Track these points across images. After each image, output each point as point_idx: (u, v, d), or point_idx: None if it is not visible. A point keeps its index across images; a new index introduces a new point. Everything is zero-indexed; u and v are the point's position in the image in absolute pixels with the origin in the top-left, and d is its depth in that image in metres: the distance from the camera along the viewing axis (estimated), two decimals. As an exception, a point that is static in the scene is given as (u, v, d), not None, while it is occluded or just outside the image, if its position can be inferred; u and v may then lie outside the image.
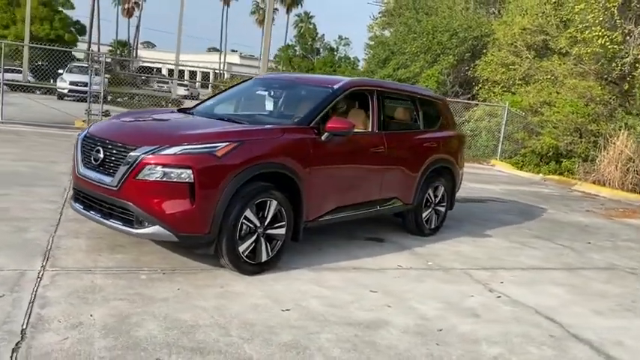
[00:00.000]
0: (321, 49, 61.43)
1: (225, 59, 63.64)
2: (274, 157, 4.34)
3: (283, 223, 4.43)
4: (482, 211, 8.35)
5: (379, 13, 29.84)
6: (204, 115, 5.08)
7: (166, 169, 3.84)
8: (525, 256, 5.95)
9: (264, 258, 4.34)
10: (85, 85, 15.19)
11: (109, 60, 32.78)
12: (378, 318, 3.77)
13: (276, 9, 72.15)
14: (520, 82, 17.81)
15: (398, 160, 5.60)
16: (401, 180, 5.67)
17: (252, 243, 4.23)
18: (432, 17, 23.60)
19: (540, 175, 14.10)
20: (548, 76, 15.86)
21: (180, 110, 5.39)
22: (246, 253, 4.21)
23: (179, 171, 3.84)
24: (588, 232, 7.60)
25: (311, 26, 63.74)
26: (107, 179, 4.04)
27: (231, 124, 4.62)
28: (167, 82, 38.13)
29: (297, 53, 59.67)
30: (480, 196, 9.81)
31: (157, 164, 3.85)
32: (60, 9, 54.97)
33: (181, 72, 53.41)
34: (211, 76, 63.59)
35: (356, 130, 5.67)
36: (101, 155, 4.13)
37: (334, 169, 4.90)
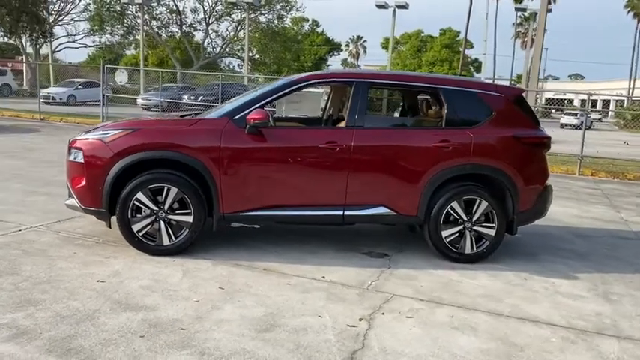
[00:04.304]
0: None
1: (633, 84, 56.87)
2: (171, 146, 4.55)
3: (189, 211, 4.59)
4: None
5: None
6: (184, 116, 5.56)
7: (74, 152, 4.69)
8: (552, 303, 4.17)
9: (165, 241, 4.61)
10: None
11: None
12: (154, 304, 3.65)
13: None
14: None
15: (379, 161, 4.78)
16: (389, 185, 4.80)
17: (148, 225, 4.58)
18: None
19: None
20: None
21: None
22: (142, 233, 4.59)
23: (77, 153, 4.63)
24: None
25: None
26: None
27: (156, 117, 5.07)
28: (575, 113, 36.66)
29: None
30: None
31: (72, 148, 4.75)
32: (459, 49, 59.70)
33: (594, 101, 54.61)
34: (611, 104, 57.93)
35: (304, 126, 5.21)
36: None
37: (264, 165, 4.68)
